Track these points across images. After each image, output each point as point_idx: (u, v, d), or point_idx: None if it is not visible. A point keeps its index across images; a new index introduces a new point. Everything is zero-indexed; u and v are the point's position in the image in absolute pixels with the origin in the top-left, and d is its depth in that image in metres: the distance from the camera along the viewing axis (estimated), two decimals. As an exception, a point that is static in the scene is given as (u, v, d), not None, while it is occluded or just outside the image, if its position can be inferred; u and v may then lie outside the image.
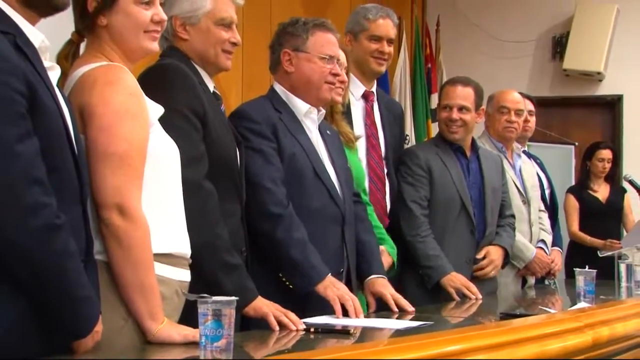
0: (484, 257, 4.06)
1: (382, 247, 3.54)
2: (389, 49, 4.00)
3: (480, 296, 3.73)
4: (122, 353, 2.10)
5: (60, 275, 1.91)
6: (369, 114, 4.00)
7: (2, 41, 1.91)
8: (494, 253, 4.10)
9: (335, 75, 3.18)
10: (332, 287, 2.87)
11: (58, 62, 2.28)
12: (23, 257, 1.86)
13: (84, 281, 1.97)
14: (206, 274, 2.49)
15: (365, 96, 4.00)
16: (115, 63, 2.32)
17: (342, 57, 3.52)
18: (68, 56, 2.37)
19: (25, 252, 1.86)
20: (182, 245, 2.38)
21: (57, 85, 2.11)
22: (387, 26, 3.99)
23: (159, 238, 2.25)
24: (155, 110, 2.37)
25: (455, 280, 3.79)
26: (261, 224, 2.95)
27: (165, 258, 2.30)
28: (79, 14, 2.35)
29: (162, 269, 2.27)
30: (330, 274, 2.92)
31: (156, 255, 2.23)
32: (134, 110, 2.25)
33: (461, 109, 4.03)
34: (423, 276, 3.87)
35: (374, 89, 4.07)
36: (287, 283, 2.95)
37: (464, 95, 4.06)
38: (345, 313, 2.85)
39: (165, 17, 2.43)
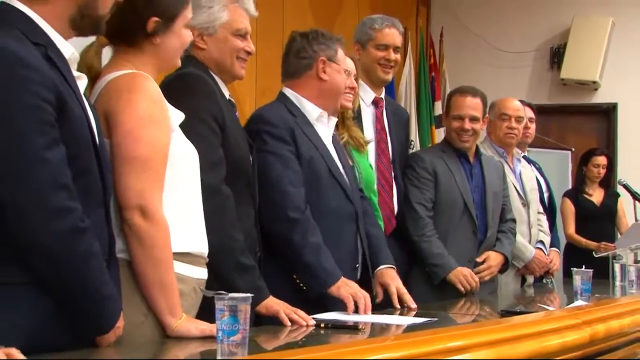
0: (483, 261, 4.06)
1: None
2: (395, 56, 3.99)
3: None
4: (142, 346, 2.10)
5: (83, 276, 1.92)
6: (379, 119, 3.99)
7: (34, 53, 1.92)
8: (494, 259, 4.10)
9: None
10: (345, 287, 2.88)
11: (82, 61, 2.27)
12: (49, 259, 1.88)
13: (106, 280, 1.98)
14: (221, 274, 2.50)
15: (375, 102, 3.99)
16: (140, 72, 2.32)
17: (351, 65, 3.53)
18: (95, 57, 2.37)
19: (51, 253, 1.87)
20: (200, 245, 2.39)
21: (84, 93, 2.12)
22: (392, 35, 3.99)
23: (179, 238, 2.26)
24: (177, 116, 2.37)
25: (461, 273, 3.82)
26: (278, 228, 2.95)
27: (184, 257, 2.30)
28: (135, 30, 2.36)
29: (181, 267, 2.28)
30: (342, 276, 2.92)
31: (175, 254, 2.23)
32: (157, 117, 2.26)
33: (472, 119, 4.04)
34: (429, 273, 3.88)
35: (382, 96, 4.07)
36: (302, 285, 2.96)
37: (474, 105, 4.07)
38: (355, 310, 2.85)
39: (192, 37, 2.51)
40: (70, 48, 2.06)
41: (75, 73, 2.08)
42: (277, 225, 2.95)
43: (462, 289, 3.76)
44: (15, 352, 1.58)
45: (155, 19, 2.34)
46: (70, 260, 1.89)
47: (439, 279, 3.85)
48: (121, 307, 2.05)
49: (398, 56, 4.03)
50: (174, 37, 2.40)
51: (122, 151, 2.18)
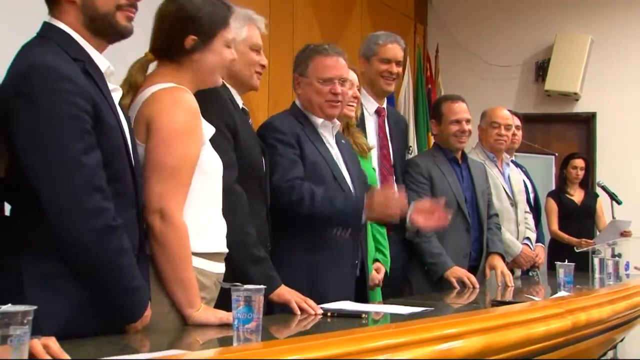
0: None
1: (377, 264, 3.55)
2: (397, 69, 3.97)
3: (478, 286, 3.74)
4: (165, 333, 2.10)
5: (115, 270, 1.93)
6: (381, 127, 3.98)
7: (74, 67, 1.94)
8: (499, 264, 4.11)
9: (335, 94, 3.08)
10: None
11: (130, 75, 2.31)
12: (85, 254, 1.89)
13: (136, 274, 1.99)
14: (236, 266, 2.48)
15: (378, 112, 3.98)
16: (181, 86, 2.31)
17: (354, 77, 3.51)
18: (140, 71, 2.37)
19: (86, 249, 1.88)
20: (222, 244, 2.39)
21: (119, 104, 2.13)
22: (395, 50, 3.97)
23: (205, 240, 2.27)
24: (208, 130, 2.37)
25: (456, 272, 3.81)
26: (287, 201, 2.91)
27: (208, 255, 2.31)
28: (175, 47, 2.35)
29: (204, 264, 2.28)
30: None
31: (201, 253, 2.25)
32: (190, 130, 2.25)
33: (467, 121, 4.08)
34: (429, 271, 3.88)
35: (384, 105, 4.06)
36: (339, 233, 2.97)
37: (466, 109, 4.13)
38: (358, 300, 2.84)
39: (236, 56, 2.48)
40: (105, 62, 2.07)
41: (110, 86, 2.09)
42: (285, 199, 2.91)
43: (456, 287, 3.75)
44: (51, 343, 1.57)
45: (193, 37, 2.32)
46: (103, 255, 1.90)
47: (437, 276, 3.84)
48: (149, 299, 2.05)
49: (400, 69, 4.02)
50: (212, 55, 2.37)
51: (153, 157, 2.18)
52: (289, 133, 3.03)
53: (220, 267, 2.38)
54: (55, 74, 1.88)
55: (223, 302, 2.27)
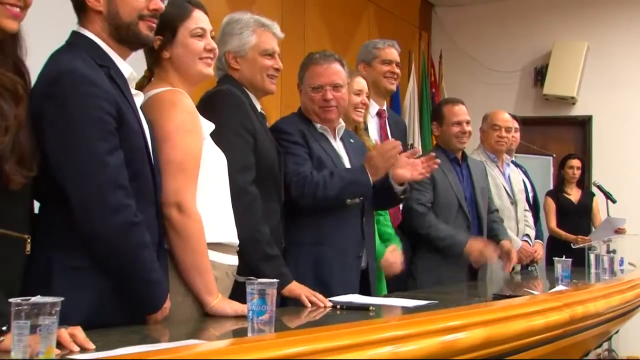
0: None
1: (393, 245, 3.51)
2: (398, 70, 4.00)
3: (496, 257, 3.87)
4: (184, 324, 2.10)
5: (137, 263, 1.94)
6: (383, 128, 3.99)
7: (99, 72, 1.96)
8: (509, 247, 4.18)
9: (326, 100, 3.07)
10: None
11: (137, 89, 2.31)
12: (108, 248, 1.90)
13: (156, 267, 2.00)
14: (251, 262, 2.48)
15: (379, 114, 3.99)
16: (176, 88, 2.33)
17: (364, 84, 3.52)
18: (142, 86, 2.39)
19: (110, 243, 1.90)
20: (230, 235, 2.38)
21: (141, 107, 2.14)
22: (394, 53, 4.01)
23: (211, 230, 2.26)
24: (208, 126, 2.38)
25: (474, 246, 3.87)
26: (300, 192, 2.92)
27: (217, 246, 2.30)
28: (148, 52, 2.38)
29: (213, 255, 2.28)
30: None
31: (209, 244, 2.24)
32: (191, 126, 2.27)
33: (467, 122, 4.10)
34: (448, 255, 3.90)
35: (385, 107, 4.06)
36: (349, 202, 2.99)
37: (466, 111, 4.15)
38: (363, 292, 2.84)
39: (215, 45, 2.44)
40: (128, 68, 2.10)
41: (133, 91, 2.11)
42: (299, 189, 2.93)
43: (476, 262, 3.85)
44: (78, 332, 1.58)
45: (159, 37, 2.32)
46: (125, 249, 1.92)
47: (458, 254, 3.86)
48: (168, 291, 2.06)
49: (399, 70, 4.03)
50: (181, 48, 2.36)
51: (161, 155, 2.19)
52: (296, 133, 3.04)
53: (231, 259, 2.38)
54: (83, 79, 1.90)
55: (237, 294, 2.28)
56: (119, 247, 1.91)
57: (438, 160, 3.17)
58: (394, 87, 4.06)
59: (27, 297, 1.35)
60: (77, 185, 1.87)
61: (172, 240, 2.17)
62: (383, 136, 3.96)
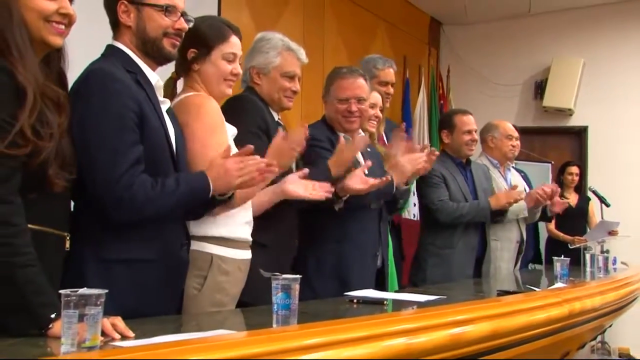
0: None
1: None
2: (392, 90, 3.95)
3: (523, 193, 4.07)
4: (214, 315, 2.10)
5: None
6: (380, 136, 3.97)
7: (126, 75, 1.98)
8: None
9: (350, 112, 3.08)
10: None
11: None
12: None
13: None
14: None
15: None
16: (202, 93, 2.35)
17: (378, 98, 3.50)
18: (168, 87, 2.40)
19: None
20: (241, 231, 2.36)
21: (168, 112, 2.14)
22: (391, 74, 3.95)
23: (222, 227, 2.26)
24: (231, 130, 2.39)
25: (499, 201, 3.99)
26: None
27: (226, 242, 2.29)
28: (180, 60, 2.38)
29: (223, 251, 2.27)
30: None
31: (218, 238, 2.24)
32: (218, 124, 2.29)
33: (475, 131, 4.13)
34: (485, 222, 4.05)
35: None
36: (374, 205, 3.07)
37: (474, 121, 4.16)
38: (378, 288, 2.84)
39: (240, 71, 2.44)
40: (155, 76, 2.11)
41: (160, 98, 2.11)
42: None
43: (509, 206, 3.98)
44: (118, 322, 1.59)
45: (193, 50, 2.35)
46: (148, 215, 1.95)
47: (488, 216, 4.01)
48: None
49: (393, 90, 3.99)
50: (211, 66, 2.38)
51: (193, 156, 2.19)
52: (325, 140, 3.05)
53: (242, 254, 2.35)
54: (108, 76, 1.92)
55: (249, 287, 2.28)
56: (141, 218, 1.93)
57: (436, 152, 3.29)
58: (387, 105, 4.00)
59: (75, 289, 1.36)
60: (95, 173, 1.86)
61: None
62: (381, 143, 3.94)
